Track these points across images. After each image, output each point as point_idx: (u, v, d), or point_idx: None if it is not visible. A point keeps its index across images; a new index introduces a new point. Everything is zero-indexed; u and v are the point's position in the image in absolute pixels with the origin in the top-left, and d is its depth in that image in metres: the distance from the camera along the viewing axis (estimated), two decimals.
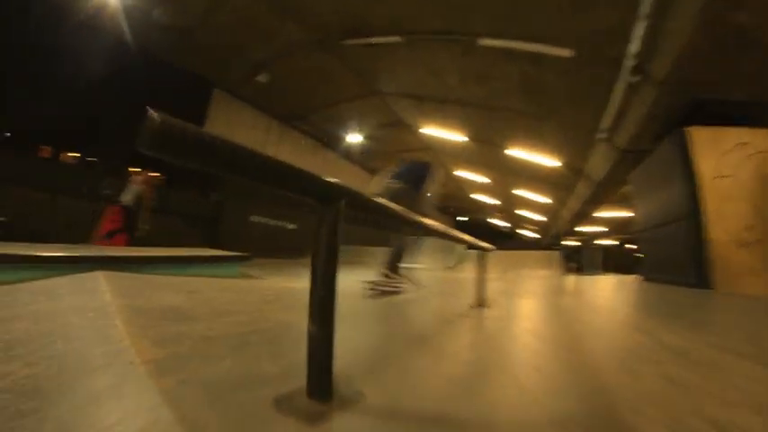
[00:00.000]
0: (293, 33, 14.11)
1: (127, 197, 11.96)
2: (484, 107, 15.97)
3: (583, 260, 22.22)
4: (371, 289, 6.13)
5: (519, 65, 12.66)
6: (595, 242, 31.37)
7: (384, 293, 5.96)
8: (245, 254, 8.60)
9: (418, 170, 6.68)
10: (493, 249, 6.06)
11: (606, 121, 12.77)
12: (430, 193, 6.62)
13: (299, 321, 3.44)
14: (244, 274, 7.91)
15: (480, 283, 5.60)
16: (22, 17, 13.80)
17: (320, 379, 1.74)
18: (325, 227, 1.82)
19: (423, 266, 13.58)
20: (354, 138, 22.92)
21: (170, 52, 16.25)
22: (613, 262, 23.49)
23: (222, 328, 3.22)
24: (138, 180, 12.23)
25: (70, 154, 17.47)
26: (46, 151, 16.22)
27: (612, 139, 13.34)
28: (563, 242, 32.12)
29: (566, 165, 18.22)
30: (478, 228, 42.02)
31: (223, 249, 9.92)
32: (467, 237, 4.84)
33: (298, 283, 7.58)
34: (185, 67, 17.21)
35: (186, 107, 17.55)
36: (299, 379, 1.80)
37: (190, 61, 16.87)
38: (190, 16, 14.12)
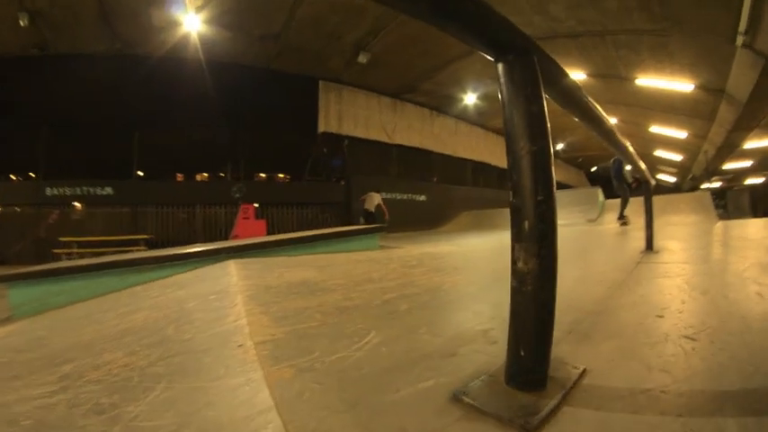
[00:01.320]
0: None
1: (370, 206, 15.53)
2: (598, 34, 14.19)
3: (728, 204, 19.52)
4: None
5: None
6: (740, 182, 27.54)
7: None
8: (381, 224, 8.13)
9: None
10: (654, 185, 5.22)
11: (743, 19, 10.55)
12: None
13: (453, 283, 3.16)
14: (382, 246, 7.43)
15: (649, 226, 4.86)
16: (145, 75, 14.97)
17: (531, 359, 1.22)
18: (515, 93, 1.26)
19: (561, 222, 12.82)
20: (470, 99, 21.90)
21: (270, 60, 16.59)
22: (764, 204, 20.15)
23: (361, 296, 2.67)
24: (372, 195, 15.66)
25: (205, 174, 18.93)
26: (179, 176, 18.18)
27: (755, 43, 11.15)
28: (704, 184, 27.86)
29: (701, 86, 15.86)
30: (607, 177, 39.29)
31: None
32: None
33: (436, 248, 7.21)
34: (286, 70, 17.41)
35: (298, 106, 18.10)
36: (481, 357, 1.47)
37: (289, 62, 17.00)
38: (276, 20, 14.14)
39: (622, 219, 10.52)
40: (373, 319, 2.09)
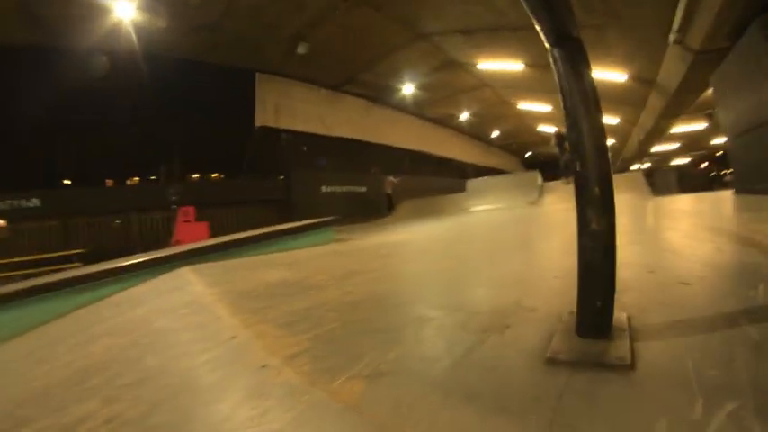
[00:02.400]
0: None
1: (388, 190, 19.96)
2: None
3: (657, 182, 21.11)
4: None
5: None
6: (667, 163, 29.80)
7: None
8: (336, 217, 7.84)
9: None
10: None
11: (677, 18, 11.06)
12: None
13: (440, 269, 3.14)
14: (336, 240, 7.15)
15: None
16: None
17: (603, 310, 1.39)
18: (574, 76, 1.44)
19: (498, 206, 13.25)
20: (408, 89, 21.56)
21: (205, 52, 15.54)
22: (689, 182, 21.82)
23: (361, 289, 2.40)
24: (390, 180, 19.44)
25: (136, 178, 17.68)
26: (109, 182, 16.73)
27: (685, 40, 11.62)
28: (634, 165, 30.95)
29: (634, 77, 16.45)
30: (542, 162, 40.74)
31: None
32: None
33: (393, 237, 7.26)
34: (222, 63, 16.47)
35: (234, 100, 17.26)
36: (534, 324, 1.57)
37: (225, 55, 16.07)
38: (213, 9, 13.15)
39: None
40: (394, 309, 1.96)
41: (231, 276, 3.39)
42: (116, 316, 3.03)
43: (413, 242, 5.34)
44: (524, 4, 1.31)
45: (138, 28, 12.65)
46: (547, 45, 1.45)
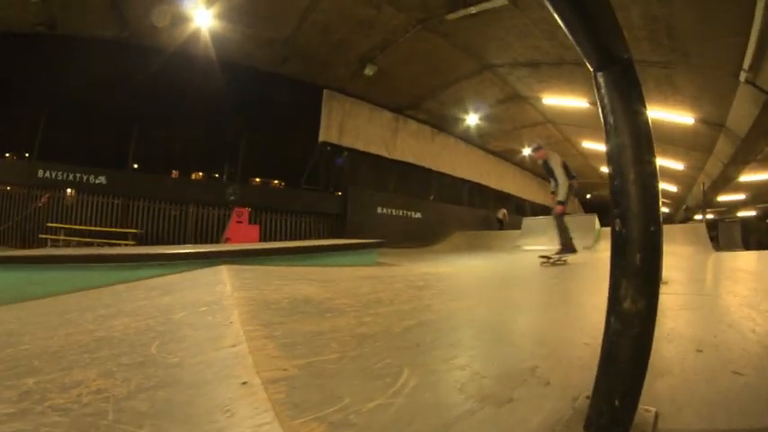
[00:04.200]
0: (392, 18, 13.19)
1: (499, 215, 23.61)
2: None
3: (720, 235, 19.34)
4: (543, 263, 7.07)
5: (640, 3, 10.78)
6: (732, 215, 27.44)
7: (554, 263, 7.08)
8: (383, 240, 7.80)
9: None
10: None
11: (748, 54, 10.29)
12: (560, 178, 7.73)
13: (470, 309, 3.00)
14: (378, 263, 7.10)
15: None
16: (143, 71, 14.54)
17: (624, 409, 1.10)
18: (621, 107, 1.15)
19: (551, 247, 12.62)
20: (471, 119, 21.40)
21: (277, 63, 16.18)
22: (755, 237, 19.73)
23: (377, 321, 2.35)
24: (503, 211, 22.90)
25: (200, 173, 18.63)
26: (174, 173, 17.61)
27: (757, 79, 10.83)
28: (697, 215, 27.94)
29: (702, 119, 15.56)
30: (602, 205, 38.82)
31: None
32: None
33: (436, 268, 7.04)
34: (292, 75, 17.02)
35: (300, 112, 17.72)
36: (541, 403, 1.33)
37: (295, 68, 16.63)
38: (286, 24, 13.80)
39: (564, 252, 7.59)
40: (399, 351, 1.81)
41: (262, 283, 3.41)
42: (145, 299, 3.13)
43: (452, 277, 5.21)
44: (559, 19, 1.09)
45: (215, 35, 13.46)
46: (590, 68, 1.21)
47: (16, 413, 1.31)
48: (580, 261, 8.49)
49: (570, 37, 1.13)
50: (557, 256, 7.21)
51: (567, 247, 7.48)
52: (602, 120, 1.17)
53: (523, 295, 4.22)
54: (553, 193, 7.88)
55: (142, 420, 1.17)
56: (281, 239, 10.37)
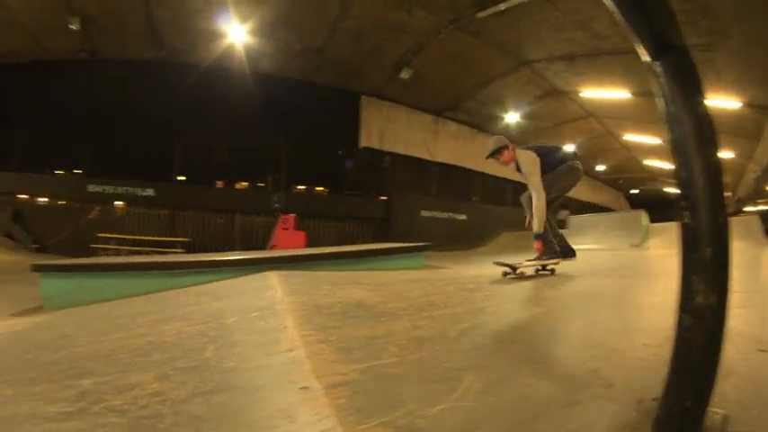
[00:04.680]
0: (423, 21, 13.16)
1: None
2: None
3: None
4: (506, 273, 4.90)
5: None
6: None
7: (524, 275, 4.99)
8: (429, 243, 7.72)
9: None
10: None
11: None
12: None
13: (525, 312, 2.96)
14: (426, 266, 7.06)
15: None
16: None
17: (695, 410, 1.05)
18: (682, 97, 1.09)
19: (598, 246, 12.02)
20: (511, 118, 21.04)
21: (311, 73, 16.43)
22: None
23: (432, 325, 2.30)
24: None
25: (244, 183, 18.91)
26: (219, 184, 18.07)
27: None
28: (747, 207, 25.94)
29: (747, 103, 14.81)
30: (650, 200, 37.43)
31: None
32: None
33: (485, 269, 6.85)
34: (328, 84, 17.21)
35: (339, 119, 17.86)
36: (606, 406, 1.27)
37: (330, 77, 16.81)
38: (318, 34, 14.00)
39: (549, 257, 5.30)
40: (459, 355, 1.78)
41: (312, 288, 3.41)
42: (195, 305, 3.19)
43: (497, 279, 5.13)
44: (613, 8, 1.06)
45: (250, 49, 13.90)
46: (646, 59, 1.16)
47: (74, 412, 1.36)
48: (628, 259, 8.26)
49: (625, 25, 1.10)
50: (532, 262, 5.06)
51: (555, 250, 5.27)
52: (661, 110, 1.12)
53: (575, 295, 4.13)
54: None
55: (200, 424, 1.17)
56: (325, 245, 10.47)
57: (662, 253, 9.29)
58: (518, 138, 22.53)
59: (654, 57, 1.11)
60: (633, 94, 16.36)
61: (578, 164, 5.52)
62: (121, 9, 12.82)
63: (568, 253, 5.43)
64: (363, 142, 17.46)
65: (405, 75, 15.96)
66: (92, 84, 14.88)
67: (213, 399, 1.33)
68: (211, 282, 4.50)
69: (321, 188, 19.34)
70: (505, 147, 5.38)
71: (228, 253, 6.35)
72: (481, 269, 7.01)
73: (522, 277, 4.76)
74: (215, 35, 13.43)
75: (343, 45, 14.42)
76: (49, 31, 13.64)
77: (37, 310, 4.55)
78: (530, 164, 5.25)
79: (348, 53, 14.89)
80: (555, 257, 5.22)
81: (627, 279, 5.39)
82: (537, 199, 5.09)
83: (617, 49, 13.12)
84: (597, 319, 2.81)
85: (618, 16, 1.08)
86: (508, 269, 4.82)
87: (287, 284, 3.51)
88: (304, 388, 1.29)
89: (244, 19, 12.75)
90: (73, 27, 12.91)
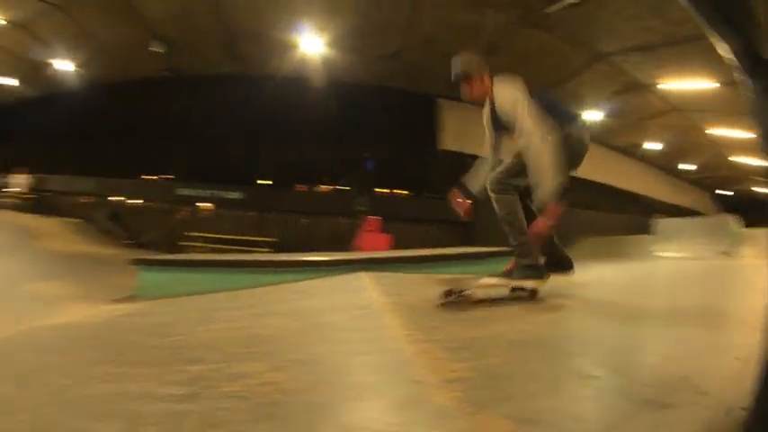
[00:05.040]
0: (494, 20, 13.16)
1: None
2: None
3: None
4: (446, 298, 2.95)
5: None
6: None
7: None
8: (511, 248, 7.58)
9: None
10: None
11: None
12: None
13: (616, 319, 2.83)
14: None
15: None
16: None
17: None
18: None
19: (685, 254, 11.19)
20: (590, 116, 20.30)
21: (388, 78, 16.72)
22: None
23: (529, 329, 2.30)
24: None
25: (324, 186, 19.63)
26: (302, 187, 18.97)
27: None
28: None
29: None
30: (740, 201, 34.05)
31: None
32: None
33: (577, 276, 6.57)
34: (404, 88, 17.46)
35: (418, 123, 18.21)
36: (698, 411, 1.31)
37: (406, 81, 16.98)
38: (392, 41, 14.36)
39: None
40: (557, 359, 1.82)
41: (404, 289, 3.49)
42: (291, 301, 3.34)
43: (589, 285, 4.98)
44: (700, 20, 1.05)
45: (325, 59, 14.61)
46: (738, 75, 1.11)
47: (186, 396, 1.46)
48: (718, 269, 7.78)
49: (718, 42, 1.09)
50: (502, 281, 3.34)
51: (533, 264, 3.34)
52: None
53: (662, 304, 3.85)
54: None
55: (320, 412, 1.24)
56: (408, 248, 10.52)
57: (755, 263, 8.71)
58: (597, 137, 21.25)
59: (750, 72, 1.09)
60: (721, 83, 15.44)
61: (583, 132, 3.54)
62: (199, 29, 14.38)
63: (560, 267, 3.58)
64: (443, 144, 17.50)
65: None
66: (177, 98, 16.87)
67: (329, 390, 1.42)
68: (303, 280, 4.62)
69: (402, 191, 19.46)
70: (477, 73, 3.52)
71: (315, 253, 6.54)
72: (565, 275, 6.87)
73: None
74: (291, 47, 14.22)
75: (416, 51, 14.73)
76: (134, 55, 15.66)
77: (132, 298, 4.95)
78: (515, 96, 3.33)
79: (421, 58, 15.08)
80: (533, 275, 3.33)
81: (716, 291, 5.08)
82: (538, 147, 3.07)
83: (696, 34, 12.48)
84: (686, 330, 2.72)
85: (707, 28, 1.08)
86: (453, 294, 2.98)
87: (379, 285, 3.61)
88: (418, 382, 1.34)
89: (320, 31, 13.37)
90: (156, 50, 14.71)
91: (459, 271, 5.89)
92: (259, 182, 17.73)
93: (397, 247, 12.22)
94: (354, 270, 4.74)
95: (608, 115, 19.61)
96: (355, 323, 2.32)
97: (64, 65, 16.35)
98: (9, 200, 15.52)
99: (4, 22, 14.44)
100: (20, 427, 1.40)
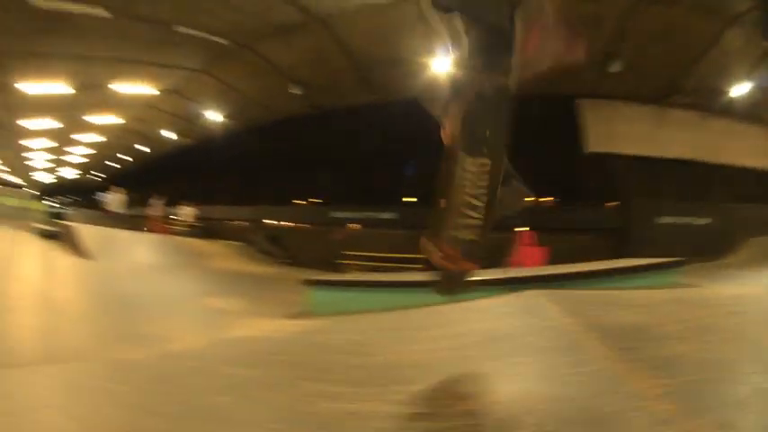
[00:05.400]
0: (613, 5, 13.10)
1: None
2: None
3: None
4: None
5: None
6: None
7: None
8: (681, 259, 7.25)
9: None
10: None
11: None
12: None
13: None
14: (681, 285, 6.63)
15: None
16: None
17: None
18: None
19: None
20: (739, 89, 16.79)
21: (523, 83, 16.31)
22: None
23: (711, 348, 2.40)
24: None
25: None
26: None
27: None
28: None
29: None
30: None
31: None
32: None
33: (746, 288, 6.26)
34: (540, 93, 16.86)
35: (553, 127, 17.65)
36: None
37: (539, 84, 16.31)
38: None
39: None
40: (748, 376, 1.91)
41: (581, 309, 3.64)
42: (474, 322, 3.61)
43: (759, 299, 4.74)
44: None
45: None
46: None
47: (420, 414, 1.68)
48: None
49: None
50: None
51: None
52: None
53: None
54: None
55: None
56: (558, 261, 10.31)
57: None
58: (752, 115, 18.94)
59: None
60: None
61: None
62: (332, 67, 16.31)
63: None
64: (586, 147, 16.96)
65: (614, 68, 15.23)
66: (320, 130, 19.62)
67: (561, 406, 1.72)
68: (473, 299, 4.62)
69: (548, 198, 18.98)
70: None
71: (491, 271, 6.76)
72: (738, 287, 6.56)
73: None
74: (419, 69, 14.88)
75: None
76: (275, 99, 18.79)
77: (303, 314, 5.59)
78: None
79: None
80: None
81: None
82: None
83: None
84: None
85: None
86: None
87: (557, 304, 3.77)
88: (633, 395, 1.63)
89: (446, 50, 13.54)
90: (294, 92, 17.27)
91: (619, 285, 5.85)
92: (409, 199, 19.03)
93: (552, 261, 11.94)
94: (526, 288, 4.96)
95: (757, 86, 17.44)
96: (550, 343, 2.58)
97: (214, 115, 20.64)
98: (179, 227, 19.00)
99: (158, 92, 18.73)
100: None
